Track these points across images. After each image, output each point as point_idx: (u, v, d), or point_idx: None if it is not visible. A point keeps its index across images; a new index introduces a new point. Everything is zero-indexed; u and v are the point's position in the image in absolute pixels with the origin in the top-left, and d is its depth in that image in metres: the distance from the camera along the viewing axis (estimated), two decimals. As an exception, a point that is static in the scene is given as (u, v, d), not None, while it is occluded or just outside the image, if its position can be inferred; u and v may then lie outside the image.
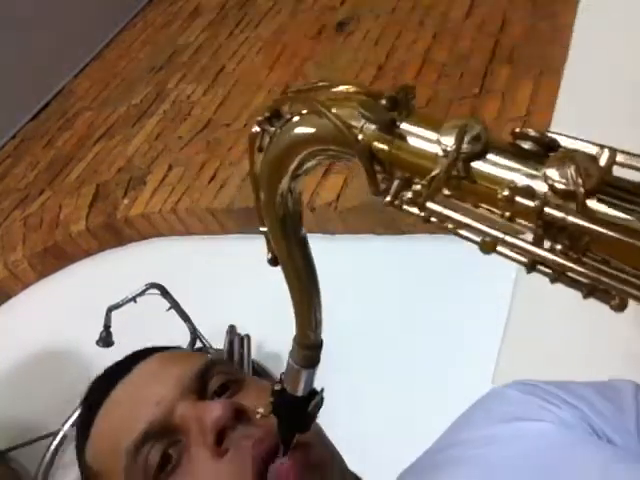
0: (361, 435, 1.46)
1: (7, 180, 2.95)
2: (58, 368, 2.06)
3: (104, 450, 0.50)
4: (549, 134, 0.25)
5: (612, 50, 1.69)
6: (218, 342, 1.65)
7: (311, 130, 0.31)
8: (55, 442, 1.76)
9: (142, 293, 1.56)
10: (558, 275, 0.24)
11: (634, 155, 0.23)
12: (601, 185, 0.23)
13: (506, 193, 0.23)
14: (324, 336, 0.44)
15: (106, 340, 1.62)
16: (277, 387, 0.45)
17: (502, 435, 0.51)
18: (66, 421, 1.79)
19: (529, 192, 0.23)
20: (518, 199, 0.23)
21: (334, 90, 0.31)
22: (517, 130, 0.25)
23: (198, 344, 1.65)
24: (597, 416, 0.50)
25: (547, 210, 0.23)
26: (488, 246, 0.25)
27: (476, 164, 0.25)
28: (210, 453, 0.46)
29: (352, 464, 0.53)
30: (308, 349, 0.43)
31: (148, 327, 1.74)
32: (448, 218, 0.26)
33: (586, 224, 0.22)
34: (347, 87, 0.30)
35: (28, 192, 2.75)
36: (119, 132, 2.79)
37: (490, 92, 1.92)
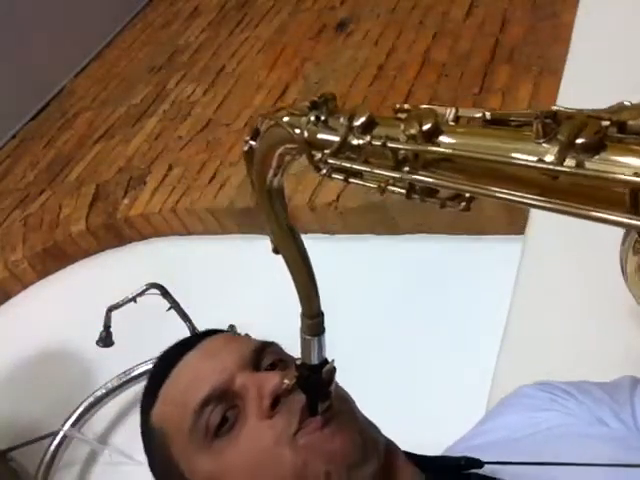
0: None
1: (7, 180, 2.95)
2: (58, 368, 2.06)
3: (171, 411, 0.57)
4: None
5: (612, 50, 1.69)
6: (218, 342, 1.65)
7: (274, 136, 0.43)
8: (55, 442, 1.76)
9: (142, 293, 1.56)
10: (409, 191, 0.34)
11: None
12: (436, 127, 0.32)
13: (378, 142, 0.34)
14: (326, 337, 0.50)
15: (106, 340, 1.61)
16: (298, 361, 0.52)
17: (515, 423, 0.65)
18: (66, 421, 1.79)
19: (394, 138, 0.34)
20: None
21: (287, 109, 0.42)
22: (397, 106, 0.36)
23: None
24: (597, 405, 0.62)
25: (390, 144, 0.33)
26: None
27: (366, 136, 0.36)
28: (262, 415, 0.53)
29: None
30: (312, 318, 0.50)
31: (148, 327, 1.74)
32: (345, 169, 0.37)
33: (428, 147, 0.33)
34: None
35: (28, 192, 2.74)
36: (119, 132, 2.79)
37: (490, 92, 1.92)
